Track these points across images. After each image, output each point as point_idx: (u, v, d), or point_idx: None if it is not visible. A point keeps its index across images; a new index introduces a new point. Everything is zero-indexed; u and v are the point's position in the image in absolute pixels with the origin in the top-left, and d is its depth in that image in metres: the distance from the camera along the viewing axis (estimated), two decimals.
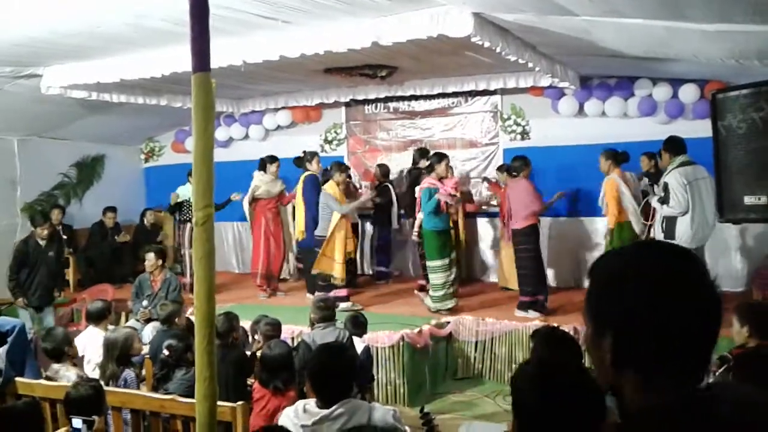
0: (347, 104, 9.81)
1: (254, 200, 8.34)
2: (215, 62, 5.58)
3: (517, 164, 7.18)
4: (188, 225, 8.62)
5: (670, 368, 1.09)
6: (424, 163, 7.85)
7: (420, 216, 7.04)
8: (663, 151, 6.00)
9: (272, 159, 8.44)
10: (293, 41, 5.68)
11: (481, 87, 8.25)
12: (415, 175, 8.14)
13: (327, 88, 8.90)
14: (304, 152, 8.42)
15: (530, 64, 6.31)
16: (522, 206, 6.99)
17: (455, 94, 9.00)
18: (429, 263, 7.03)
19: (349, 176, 8.78)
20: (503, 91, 8.76)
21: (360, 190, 9.05)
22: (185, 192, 8.82)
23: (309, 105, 9.46)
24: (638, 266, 1.14)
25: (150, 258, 6.87)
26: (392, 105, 9.69)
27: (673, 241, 5.75)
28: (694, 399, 1.08)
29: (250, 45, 5.83)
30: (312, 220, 7.68)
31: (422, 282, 7.75)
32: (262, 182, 8.33)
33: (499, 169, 8.50)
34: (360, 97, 9.03)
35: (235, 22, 5.20)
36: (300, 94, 9.24)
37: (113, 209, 9.77)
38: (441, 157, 7.17)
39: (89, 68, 6.68)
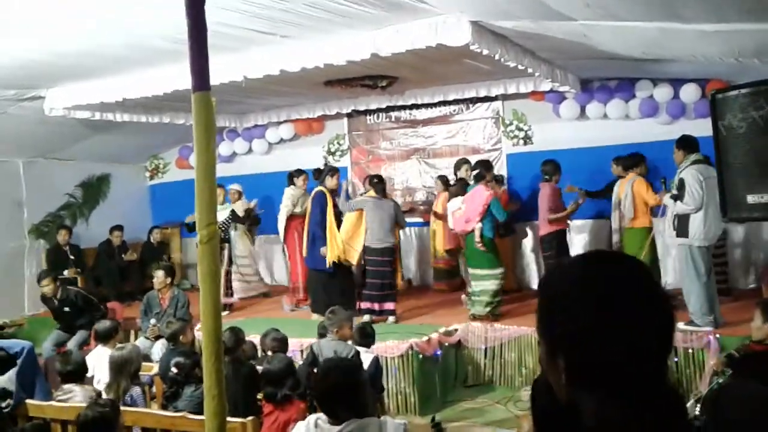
0: (349, 115, 9.84)
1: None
2: (216, 78, 5.65)
3: (547, 168, 7.24)
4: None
5: (625, 383, 1.05)
6: (465, 173, 7.76)
7: (479, 225, 6.76)
8: (676, 149, 5.99)
9: (299, 172, 8.49)
10: (293, 55, 5.72)
11: (482, 93, 8.27)
12: (461, 186, 7.75)
13: (328, 99, 8.94)
14: (325, 165, 8.48)
15: (530, 70, 6.33)
16: (544, 212, 7.09)
17: (456, 102, 9.01)
18: (488, 271, 6.83)
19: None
20: (504, 97, 8.77)
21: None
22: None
23: (311, 117, 9.50)
24: (583, 284, 1.09)
25: (159, 275, 6.90)
26: (394, 114, 9.72)
27: (685, 240, 5.72)
28: (655, 407, 1.05)
29: (250, 60, 5.88)
30: (313, 239, 7.53)
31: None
32: (294, 197, 8.34)
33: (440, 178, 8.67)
34: (361, 108, 9.07)
35: (235, 38, 5.24)
36: (302, 107, 9.29)
37: (120, 228, 9.81)
38: (489, 164, 7.15)
39: (91, 88, 6.74)
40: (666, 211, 6.06)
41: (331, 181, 7.68)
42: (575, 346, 1.06)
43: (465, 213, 6.90)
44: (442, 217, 7.91)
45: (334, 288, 7.43)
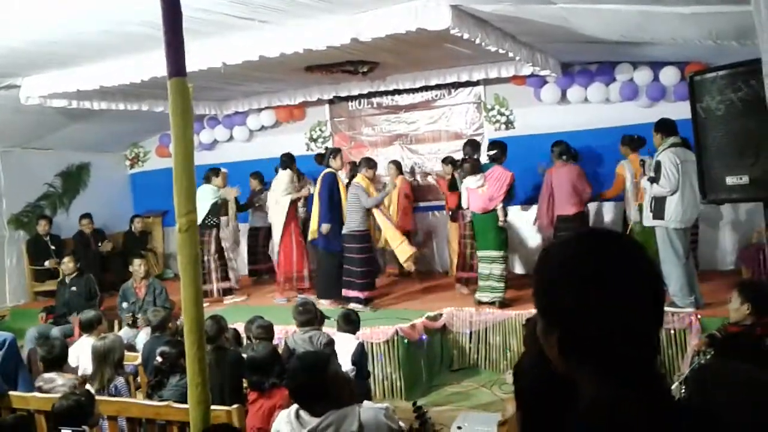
0: (331, 101, 9.79)
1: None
2: (194, 65, 5.59)
3: (561, 148, 7.33)
4: (214, 230, 8.19)
5: (616, 360, 1.09)
6: (478, 156, 7.64)
7: (502, 205, 6.80)
8: (655, 132, 6.04)
9: (292, 157, 8.41)
10: (272, 41, 5.67)
11: (464, 78, 8.26)
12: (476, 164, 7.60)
13: (309, 86, 8.88)
14: (326, 149, 8.33)
15: (511, 54, 6.32)
16: (572, 192, 7.13)
17: (438, 87, 9.00)
18: (495, 253, 6.82)
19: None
20: (486, 82, 8.77)
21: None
22: (203, 194, 8.19)
23: (292, 104, 9.44)
24: (574, 261, 1.14)
25: (136, 263, 7.24)
26: (376, 100, 9.69)
27: (661, 222, 5.79)
28: (644, 388, 1.08)
29: (228, 46, 5.81)
30: (323, 219, 7.46)
31: (463, 274, 7.65)
32: (291, 179, 8.18)
33: (444, 161, 8.58)
34: (343, 94, 9.01)
35: (212, 23, 5.18)
36: (283, 94, 9.22)
37: (88, 216, 9.67)
38: (504, 146, 7.10)
39: (68, 76, 6.64)
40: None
41: (336, 162, 7.61)
42: (566, 321, 1.11)
43: (488, 192, 6.85)
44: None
45: (336, 269, 7.44)
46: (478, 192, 6.87)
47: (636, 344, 1.09)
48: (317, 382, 2.84)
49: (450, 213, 8.47)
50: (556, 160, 7.46)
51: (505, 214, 6.91)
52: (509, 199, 6.99)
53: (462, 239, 7.61)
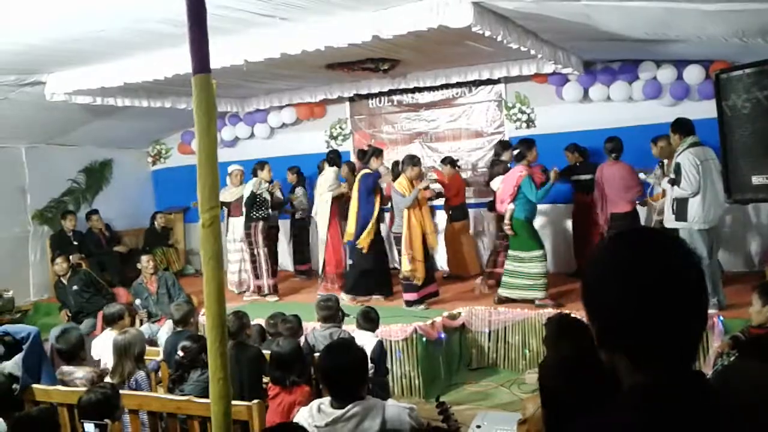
0: (351, 99, 9.80)
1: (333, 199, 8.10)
2: (217, 62, 5.62)
3: (614, 145, 7.13)
4: (261, 223, 8.05)
5: (653, 354, 1.12)
6: (508, 156, 7.60)
7: (510, 207, 6.68)
8: (672, 133, 5.96)
9: (338, 154, 8.36)
10: (294, 38, 5.68)
11: (485, 76, 8.22)
12: (502, 169, 7.58)
13: (330, 83, 8.90)
14: (369, 146, 8.23)
15: (532, 52, 6.28)
16: (623, 189, 7.01)
17: (459, 85, 8.97)
18: (526, 254, 6.67)
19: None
20: (507, 80, 8.73)
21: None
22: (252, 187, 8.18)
23: (313, 101, 9.46)
24: (610, 259, 1.20)
25: (144, 260, 7.45)
26: (396, 98, 9.68)
27: (684, 224, 5.71)
28: (682, 378, 1.11)
29: (250, 43, 5.84)
30: (363, 221, 7.42)
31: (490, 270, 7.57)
32: (336, 175, 8.13)
33: (443, 161, 8.59)
34: (363, 92, 9.02)
35: (234, 20, 5.21)
36: (303, 91, 9.24)
37: (95, 212, 9.76)
38: (531, 144, 6.93)
39: (92, 73, 6.71)
40: (654, 191, 6.01)
41: (376, 162, 7.55)
42: (607, 317, 1.18)
43: (500, 193, 6.84)
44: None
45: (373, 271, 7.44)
46: (498, 194, 6.85)
47: (670, 338, 1.11)
48: (354, 362, 2.90)
49: (450, 212, 8.46)
50: (608, 157, 7.25)
51: (510, 217, 6.70)
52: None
53: (495, 238, 7.61)
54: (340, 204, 8.16)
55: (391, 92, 9.29)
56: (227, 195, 8.35)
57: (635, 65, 7.90)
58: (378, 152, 7.68)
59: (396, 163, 8.12)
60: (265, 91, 9.33)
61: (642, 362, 1.13)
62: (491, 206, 7.82)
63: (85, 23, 5.15)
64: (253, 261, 8.16)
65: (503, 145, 7.66)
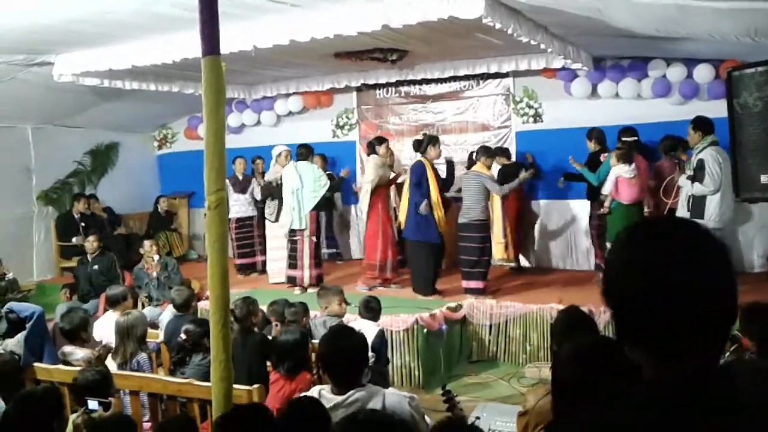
0: (358, 89, 9.77)
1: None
2: (225, 48, 5.57)
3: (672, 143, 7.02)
4: (315, 212, 7.78)
5: (675, 348, 1.08)
6: (593, 147, 7.54)
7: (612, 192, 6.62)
8: (692, 130, 5.90)
9: (380, 140, 8.04)
10: (303, 25, 5.67)
11: (493, 69, 8.20)
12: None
13: (338, 72, 8.88)
14: (424, 134, 7.96)
15: (542, 46, 6.25)
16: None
17: (467, 77, 8.93)
18: None
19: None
20: (515, 74, 8.69)
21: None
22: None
23: (320, 90, 9.45)
24: (639, 252, 1.14)
25: (147, 245, 7.56)
26: (403, 89, 9.65)
27: (700, 222, 5.66)
28: (702, 370, 1.07)
29: (259, 30, 5.83)
30: (414, 210, 7.18)
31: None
32: (377, 166, 7.79)
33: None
34: (371, 82, 9.00)
35: (245, 6, 5.20)
36: (311, 80, 9.23)
37: (93, 196, 9.82)
38: (634, 132, 6.90)
39: (101, 55, 6.71)
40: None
41: (433, 151, 7.33)
42: (617, 306, 1.15)
43: (640, 181, 6.70)
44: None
45: (432, 261, 7.32)
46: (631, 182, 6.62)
47: (693, 332, 1.07)
48: (356, 348, 2.92)
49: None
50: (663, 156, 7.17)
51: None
52: None
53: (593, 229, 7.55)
54: (385, 194, 7.89)
55: (398, 83, 9.26)
56: (278, 178, 8.00)
57: (645, 63, 7.86)
58: (435, 140, 7.45)
59: (471, 154, 7.94)
60: (272, 78, 9.31)
61: (663, 356, 1.09)
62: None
63: (95, 4, 5.14)
64: (293, 250, 7.79)
65: (599, 138, 7.55)
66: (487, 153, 7.29)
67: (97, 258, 7.83)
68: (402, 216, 7.46)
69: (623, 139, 7.06)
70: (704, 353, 1.09)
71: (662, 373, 1.09)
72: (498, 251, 7.11)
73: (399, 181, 8.12)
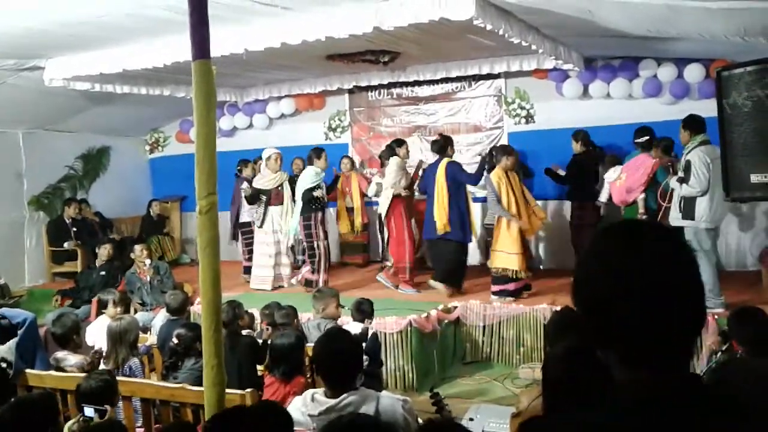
0: (350, 91, 9.77)
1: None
2: (216, 51, 5.57)
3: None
4: (320, 214, 7.62)
5: (643, 352, 1.08)
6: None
7: (643, 196, 6.48)
8: (683, 129, 5.90)
9: (400, 142, 7.94)
10: (294, 28, 5.66)
11: (485, 71, 8.22)
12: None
13: (330, 75, 8.87)
14: (440, 135, 7.84)
15: (534, 47, 6.27)
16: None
17: (459, 79, 8.95)
18: None
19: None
20: (507, 75, 8.71)
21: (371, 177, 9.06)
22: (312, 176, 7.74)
23: (312, 93, 9.44)
24: (606, 255, 1.13)
25: (138, 250, 7.56)
26: (396, 91, 9.66)
27: (691, 222, 5.67)
28: (672, 377, 1.07)
29: (251, 32, 5.82)
30: (456, 213, 7.12)
31: None
32: (400, 168, 7.67)
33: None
34: (363, 84, 8.99)
35: (235, 9, 5.19)
36: (303, 82, 9.22)
37: (83, 201, 9.79)
38: (647, 131, 6.81)
39: (91, 59, 6.68)
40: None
41: (452, 150, 7.37)
42: (586, 309, 1.14)
43: (626, 183, 6.57)
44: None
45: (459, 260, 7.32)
46: (616, 185, 6.64)
47: (661, 335, 1.06)
48: (351, 351, 2.91)
49: None
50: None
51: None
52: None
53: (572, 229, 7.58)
54: (407, 200, 7.78)
55: (390, 85, 9.27)
56: (265, 182, 7.86)
57: (636, 63, 7.89)
58: (451, 140, 7.44)
59: (489, 154, 7.76)
60: (264, 81, 9.30)
61: (631, 360, 1.08)
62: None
63: (86, 7, 5.12)
64: (312, 256, 7.66)
65: (505, 150, 7.48)
66: (505, 151, 7.01)
67: (104, 265, 7.83)
68: (444, 218, 7.11)
69: (635, 141, 6.94)
70: (671, 356, 1.08)
71: (630, 378, 1.08)
72: (515, 263, 6.78)
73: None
